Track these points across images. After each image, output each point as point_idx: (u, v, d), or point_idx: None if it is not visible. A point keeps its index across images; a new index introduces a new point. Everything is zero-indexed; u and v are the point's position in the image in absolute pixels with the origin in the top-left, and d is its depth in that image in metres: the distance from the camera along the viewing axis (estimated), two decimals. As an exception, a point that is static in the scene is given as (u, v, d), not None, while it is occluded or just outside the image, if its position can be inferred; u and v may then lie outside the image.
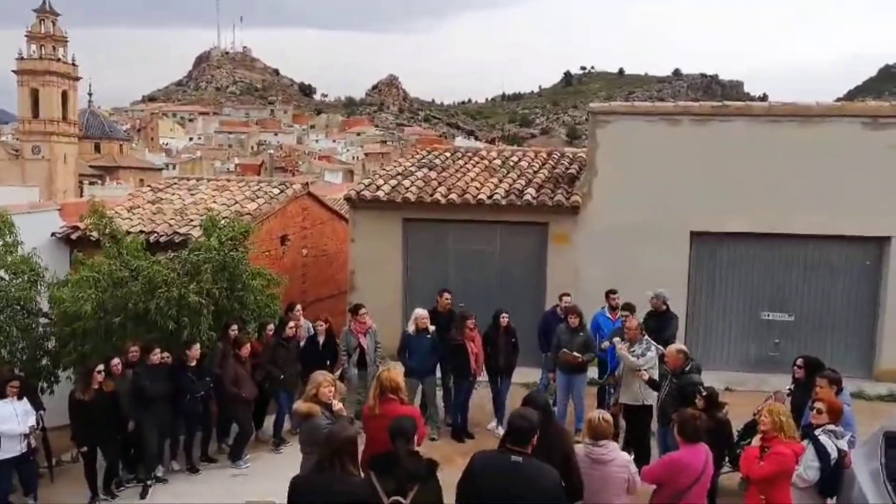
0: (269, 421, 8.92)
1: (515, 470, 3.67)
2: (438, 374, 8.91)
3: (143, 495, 7.52)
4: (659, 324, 8.37)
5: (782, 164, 10.41)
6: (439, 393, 9.07)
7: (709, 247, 10.99)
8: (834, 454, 4.73)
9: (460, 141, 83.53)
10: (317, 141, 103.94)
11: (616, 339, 7.74)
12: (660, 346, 7.51)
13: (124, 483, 7.85)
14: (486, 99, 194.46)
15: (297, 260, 14.11)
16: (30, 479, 7.52)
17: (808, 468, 4.71)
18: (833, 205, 10.32)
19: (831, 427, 4.91)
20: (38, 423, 7.77)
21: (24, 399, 7.38)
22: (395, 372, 4.97)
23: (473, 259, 11.66)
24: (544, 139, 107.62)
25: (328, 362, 8.70)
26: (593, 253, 11.01)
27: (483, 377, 8.92)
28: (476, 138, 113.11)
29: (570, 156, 13.71)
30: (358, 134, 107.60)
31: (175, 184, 14.45)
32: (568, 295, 9.13)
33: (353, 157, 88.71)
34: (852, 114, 10.33)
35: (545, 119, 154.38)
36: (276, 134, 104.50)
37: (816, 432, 4.86)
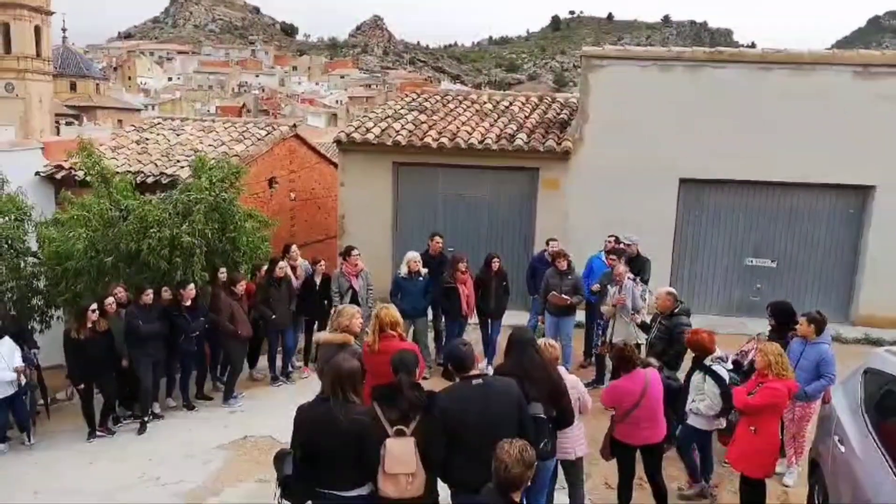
0: (263, 361, 9.09)
1: (479, 390, 3.90)
2: (430, 316, 9.09)
3: (140, 431, 7.68)
4: (634, 268, 8.53)
5: (771, 112, 10.45)
6: (431, 334, 9.26)
7: (696, 193, 11.11)
8: (726, 377, 5.44)
9: (446, 86, 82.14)
10: (299, 83, 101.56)
11: (618, 294, 7.84)
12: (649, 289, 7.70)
13: (122, 419, 8.01)
14: (473, 43, 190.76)
15: (284, 203, 14.05)
16: (22, 417, 7.61)
17: (712, 396, 5.40)
18: (820, 153, 10.42)
19: (718, 354, 5.62)
20: (32, 362, 7.86)
21: (6, 339, 7.39)
22: (393, 309, 5.07)
23: (463, 204, 11.70)
24: (531, 85, 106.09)
25: (325, 302, 8.84)
26: (583, 198, 11.08)
27: (474, 319, 9.10)
28: (462, 83, 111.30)
29: (562, 101, 13.62)
30: (342, 77, 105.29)
31: (159, 124, 14.17)
32: (555, 240, 9.24)
33: (337, 101, 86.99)
34: (843, 62, 10.33)
35: (532, 64, 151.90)
36: (257, 75, 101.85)
37: (707, 362, 5.56)
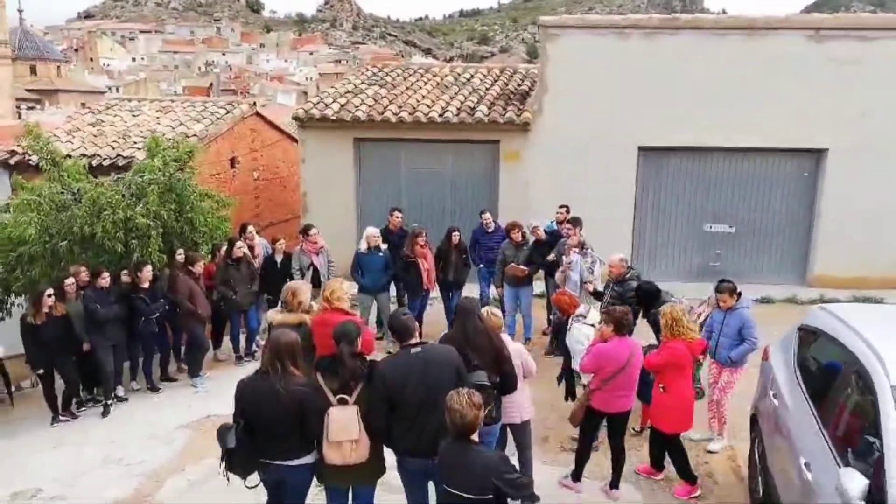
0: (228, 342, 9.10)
1: (418, 357, 3.98)
2: (394, 291, 9.17)
3: (104, 414, 7.68)
4: (542, 250, 8.66)
5: (727, 78, 10.57)
6: (395, 307, 9.34)
7: (656, 161, 11.24)
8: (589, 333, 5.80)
9: (418, 60, 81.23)
10: (267, 61, 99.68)
11: (567, 262, 8.00)
12: (600, 258, 7.85)
13: (85, 403, 8.00)
14: (444, 16, 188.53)
15: (248, 183, 13.95)
16: None
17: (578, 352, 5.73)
18: (775, 118, 10.59)
19: (580, 312, 6.18)
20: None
21: None
22: (336, 286, 5.14)
23: (426, 178, 11.72)
24: (503, 57, 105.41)
25: (288, 280, 8.83)
26: (544, 169, 11.16)
27: (436, 292, 9.20)
28: (434, 57, 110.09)
29: (523, 72, 13.61)
30: (311, 53, 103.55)
31: (116, 105, 13.91)
32: (486, 212, 9.43)
33: (307, 78, 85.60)
34: (796, 26, 10.47)
35: (504, 36, 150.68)
36: (223, 53, 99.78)
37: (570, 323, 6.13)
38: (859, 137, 10.50)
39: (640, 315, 6.91)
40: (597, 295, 7.58)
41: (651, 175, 11.32)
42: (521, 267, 8.55)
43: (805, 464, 3.88)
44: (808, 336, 4.79)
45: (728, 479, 5.81)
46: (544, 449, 6.29)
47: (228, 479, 4.05)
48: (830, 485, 3.37)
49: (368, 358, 4.12)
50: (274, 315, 5.12)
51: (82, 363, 7.90)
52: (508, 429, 5.17)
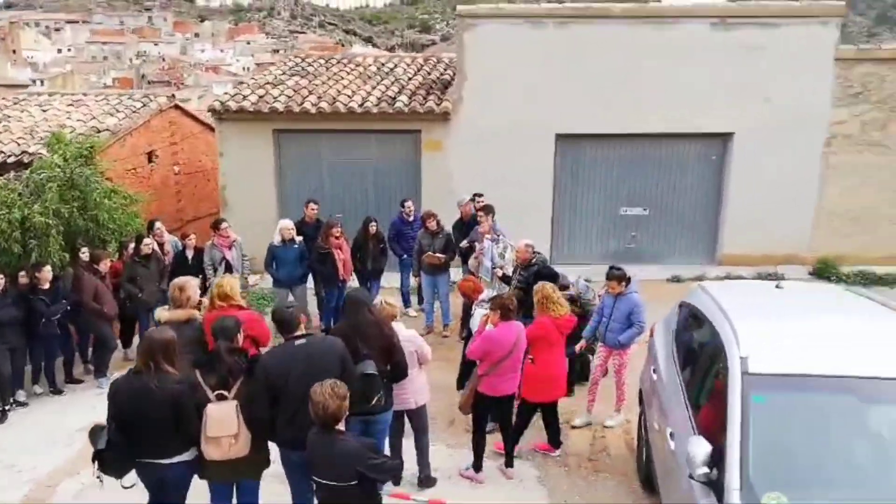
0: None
1: (302, 349, 4.02)
2: (312, 283, 9.13)
3: (1, 419, 7.41)
4: (468, 227, 8.84)
5: (638, 66, 10.86)
6: (314, 300, 9.30)
7: (572, 147, 11.48)
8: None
9: (358, 49, 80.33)
10: (202, 51, 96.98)
11: (480, 248, 8.13)
12: (511, 244, 7.99)
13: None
14: (385, 4, 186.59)
15: (168, 177, 13.59)
16: None
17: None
18: (684, 104, 10.96)
19: (482, 298, 6.37)
20: None
21: None
22: (226, 282, 5.11)
23: (348, 168, 11.66)
24: (444, 46, 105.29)
25: (199, 276, 8.69)
26: (465, 158, 11.26)
27: (355, 282, 9.20)
28: (374, 45, 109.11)
29: (447, 61, 13.65)
30: (248, 43, 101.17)
31: (25, 100, 13.31)
32: (408, 200, 9.53)
33: (244, 68, 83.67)
34: (702, 14, 10.81)
35: (445, 25, 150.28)
36: (156, 44, 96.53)
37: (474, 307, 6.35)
38: (763, 121, 10.97)
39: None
40: (506, 280, 7.72)
41: (568, 161, 11.56)
42: (437, 255, 8.64)
43: (670, 433, 4.09)
44: (685, 313, 5.02)
45: (620, 452, 6.06)
46: (450, 433, 6.41)
47: (101, 481, 3.99)
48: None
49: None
50: (161, 312, 5.04)
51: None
52: (406, 415, 5.25)
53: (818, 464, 3.18)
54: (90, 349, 8.53)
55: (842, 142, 11.15)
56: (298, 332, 4.08)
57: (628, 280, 6.12)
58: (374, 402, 4.47)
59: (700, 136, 11.29)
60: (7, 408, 7.45)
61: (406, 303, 9.91)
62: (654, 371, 5.02)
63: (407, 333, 5.03)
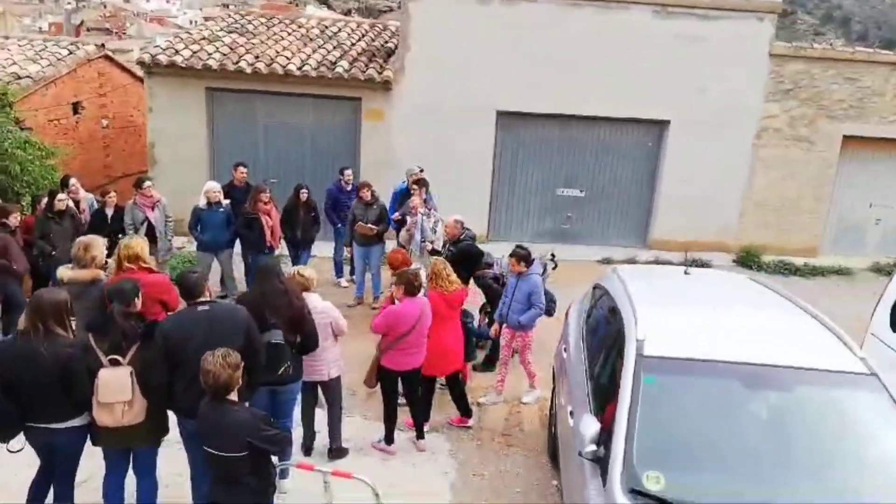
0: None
1: (205, 315, 3.95)
2: (239, 248, 8.91)
3: None
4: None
5: (581, 49, 10.92)
6: (241, 266, 9.09)
7: (513, 126, 11.50)
8: None
9: (312, 10, 78.09)
10: (148, 1, 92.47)
11: (412, 222, 8.09)
12: (442, 219, 7.99)
13: None
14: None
15: (96, 131, 12.99)
16: None
17: None
18: (623, 89, 11.09)
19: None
20: None
21: None
22: (134, 242, 4.93)
23: (285, 133, 11.38)
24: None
25: (119, 235, 8.37)
26: (406, 130, 11.14)
27: (283, 250, 9.04)
28: (330, 8, 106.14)
29: (393, 29, 13.38)
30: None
31: (-62, 39, 12.43)
32: (348, 169, 9.40)
33: (191, 21, 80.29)
34: (645, 2, 10.89)
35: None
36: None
37: None
38: (697, 111, 11.21)
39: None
40: (435, 254, 7.72)
41: (509, 139, 11.58)
42: (369, 226, 8.55)
43: (570, 412, 4.19)
44: (598, 294, 5.13)
45: (533, 428, 6.20)
46: (368, 405, 6.40)
47: (-13, 445, 3.83)
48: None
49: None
50: (64, 271, 4.83)
51: None
52: (319, 386, 5.23)
53: (701, 445, 3.32)
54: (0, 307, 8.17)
55: (772, 135, 11.52)
56: (202, 299, 3.97)
57: (530, 261, 6.16)
58: (280, 371, 4.43)
59: (638, 121, 11.48)
60: None
61: (338, 273, 9.82)
62: (565, 350, 5.13)
63: (322, 305, 4.98)
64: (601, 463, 3.30)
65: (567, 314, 5.82)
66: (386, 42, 12.42)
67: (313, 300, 4.91)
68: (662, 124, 11.48)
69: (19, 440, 3.90)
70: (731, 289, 4.91)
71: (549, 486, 5.28)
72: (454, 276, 5.64)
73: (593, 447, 3.32)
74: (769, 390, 3.44)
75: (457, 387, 5.93)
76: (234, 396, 3.32)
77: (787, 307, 4.28)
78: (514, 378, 6.89)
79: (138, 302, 3.95)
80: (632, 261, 11.31)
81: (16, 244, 7.58)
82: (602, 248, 11.78)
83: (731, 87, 11.14)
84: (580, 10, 10.83)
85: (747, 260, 11.68)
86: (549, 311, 7.35)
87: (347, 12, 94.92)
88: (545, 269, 7.50)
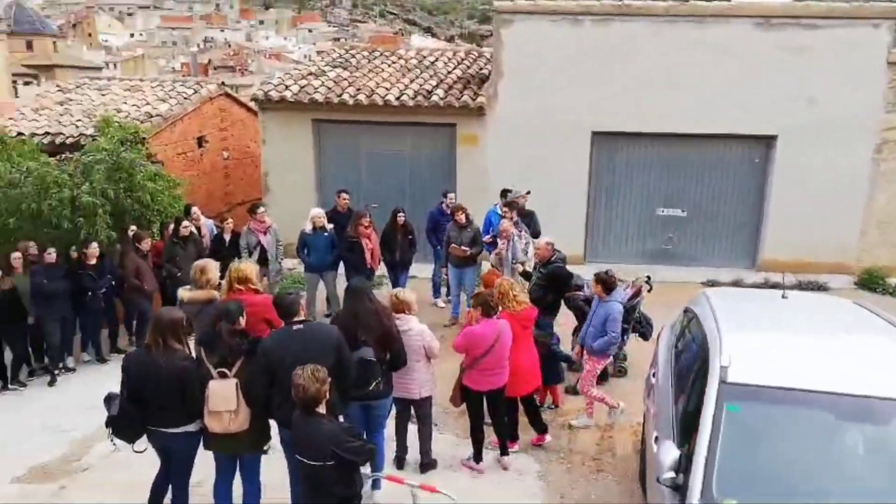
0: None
1: (300, 334, 4.24)
2: (343, 270, 9.38)
3: (50, 383, 8.00)
4: (524, 220, 8.88)
5: (679, 65, 10.69)
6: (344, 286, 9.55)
7: (609, 146, 11.39)
8: None
9: (417, 39, 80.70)
10: (266, 38, 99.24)
11: (502, 245, 8.24)
12: (533, 241, 8.08)
13: (35, 373, 8.29)
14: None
15: (217, 162, 14.12)
16: None
17: None
18: (726, 105, 10.71)
19: None
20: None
21: None
22: (244, 266, 5.36)
23: (385, 161, 11.88)
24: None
25: (236, 259, 9.08)
26: (500, 153, 11.32)
27: (382, 271, 9.44)
28: (434, 35, 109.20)
29: (488, 56, 13.67)
30: (310, 31, 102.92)
31: (86, 84, 14.05)
32: (451, 192, 9.62)
33: (305, 56, 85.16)
34: (745, 14, 10.52)
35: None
36: (222, 30, 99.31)
37: None
38: (807, 125, 10.63)
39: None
40: (526, 276, 7.80)
41: (604, 159, 11.47)
42: (463, 248, 8.75)
43: (655, 438, 4.14)
44: (687, 318, 5.02)
45: (626, 453, 6.08)
46: (460, 423, 6.53)
47: (115, 444, 4.32)
48: (664, 457, 3.62)
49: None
50: (183, 292, 5.36)
51: (33, 335, 8.20)
52: (411, 404, 5.44)
53: (785, 477, 3.20)
54: (134, 322, 9.07)
55: (893, 148, 10.71)
56: (297, 318, 4.30)
57: (611, 286, 6.08)
58: (371, 387, 4.68)
59: (742, 137, 11.03)
60: (56, 373, 8.03)
61: (436, 293, 10.09)
62: (654, 375, 5.06)
63: (418, 328, 5.18)
64: (680, 490, 3.26)
65: (658, 338, 5.72)
66: (481, 69, 12.72)
67: (411, 322, 5.13)
68: (769, 139, 10.97)
69: (142, 442, 4.38)
70: (833, 314, 4.65)
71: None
72: (522, 296, 5.70)
73: (671, 474, 3.29)
74: (863, 423, 3.27)
75: (531, 406, 5.94)
76: (322, 409, 3.57)
77: (892, 334, 4.02)
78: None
79: (243, 320, 4.34)
80: (738, 283, 10.83)
81: (147, 266, 8.45)
82: (707, 269, 11.35)
83: (844, 98, 10.48)
84: (676, 26, 10.63)
85: (870, 282, 10.85)
86: (645, 335, 7.26)
87: (451, 39, 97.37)
88: (639, 293, 7.40)
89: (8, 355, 8.02)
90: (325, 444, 3.42)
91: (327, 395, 3.59)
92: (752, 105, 10.68)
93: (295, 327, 4.27)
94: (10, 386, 7.94)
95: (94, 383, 7.96)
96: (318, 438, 3.46)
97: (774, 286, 10.49)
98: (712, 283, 10.76)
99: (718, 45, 10.54)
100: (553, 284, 6.90)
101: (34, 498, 5.31)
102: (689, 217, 11.57)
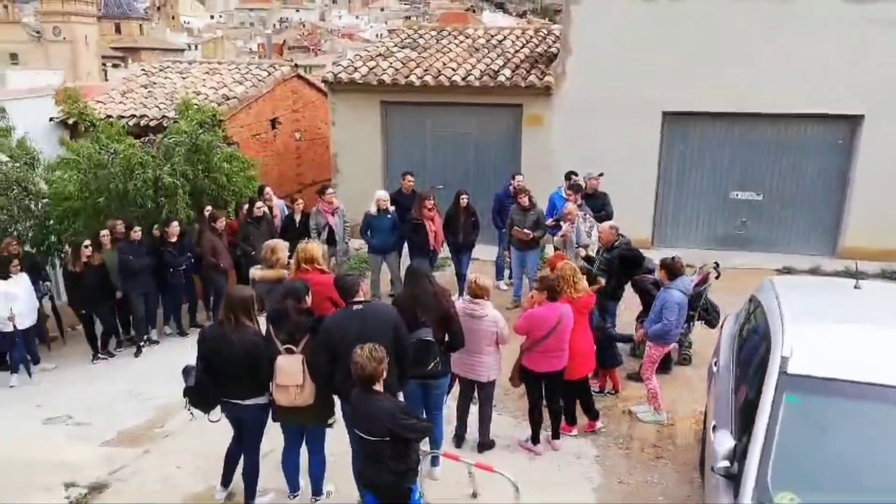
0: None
1: (359, 314, 4.38)
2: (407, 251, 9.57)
3: (136, 354, 8.58)
4: (595, 203, 8.76)
5: (758, 41, 10.22)
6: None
7: (680, 126, 11.05)
8: None
9: (488, 15, 79.79)
10: (339, 17, 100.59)
11: (566, 227, 8.19)
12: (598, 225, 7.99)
13: (122, 344, 8.91)
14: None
15: (289, 143, 14.55)
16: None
17: None
18: (807, 82, 10.20)
19: None
20: (46, 294, 8.76)
21: (24, 275, 8.11)
22: (310, 246, 5.56)
23: (451, 142, 11.95)
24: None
25: (305, 239, 9.40)
26: (566, 134, 11.18)
27: (445, 252, 9.56)
28: (506, 11, 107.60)
29: (557, 33, 13.44)
30: (381, 9, 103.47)
31: (168, 67, 14.72)
32: (520, 174, 9.52)
33: (377, 35, 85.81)
34: (834, -15, 9.92)
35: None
36: (297, 10, 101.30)
37: None
38: (898, 104, 9.99)
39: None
40: (588, 260, 7.74)
41: (675, 140, 11.15)
42: (525, 231, 8.74)
43: (713, 426, 4.09)
44: (752, 306, 4.90)
45: (687, 442, 6.01)
46: (519, 404, 6.59)
47: (192, 413, 4.63)
48: (720, 446, 3.59)
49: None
50: (255, 271, 5.63)
51: (120, 308, 8.80)
52: (475, 385, 5.56)
53: (843, 471, 3.12)
54: (211, 299, 9.56)
55: None
56: (357, 299, 4.45)
57: (675, 272, 5.95)
58: (430, 366, 4.81)
59: (825, 117, 10.47)
60: (142, 344, 8.60)
61: (499, 276, 10.14)
62: (715, 363, 4.97)
63: (493, 314, 5.27)
64: (734, 480, 3.24)
65: (722, 326, 5.60)
66: (549, 47, 12.54)
67: (487, 308, 5.23)
68: (855, 119, 10.37)
69: (216, 412, 4.68)
70: (908, 306, 4.44)
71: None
72: (582, 284, 5.67)
73: (726, 463, 3.27)
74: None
75: (584, 391, 5.95)
76: (378, 387, 3.72)
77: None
78: (674, 390, 6.74)
79: (308, 299, 4.54)
80: (816, 270, 10.38)
81: (222, 245, 8.88)
82: (782, 255, 10.91)
83: (942, 75, 9.78)
84: (755, 1, 10.13)
85: (962, 272, 10.17)
86: (711, 323, 7.11)
87: (522, 14, 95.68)
88: (707, 280, 7.23)
89: (98, 327, 8.65)
90: (382, 421, 3.57)
91: (384, 374, 3.74)
92: (838, 83, 10.11)
93: (355, 308, 4.43)
94: (100, 355, 8.56)
95: (175, 355, 8.45)
96: (375, 415, 3.61)
97: (852, 275, 10.00)
98: (788, 270, 10.36)
99: (801, 19, 10.00)
100: (624, 267, 6.83)
101: (121, 461, 5.76)
102: (765, 201, 11.12)
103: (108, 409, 7.03)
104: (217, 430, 4.91)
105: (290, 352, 4.39)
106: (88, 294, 8.25)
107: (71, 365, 8.63)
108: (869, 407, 3.22)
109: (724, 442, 3.32)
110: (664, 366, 6.88)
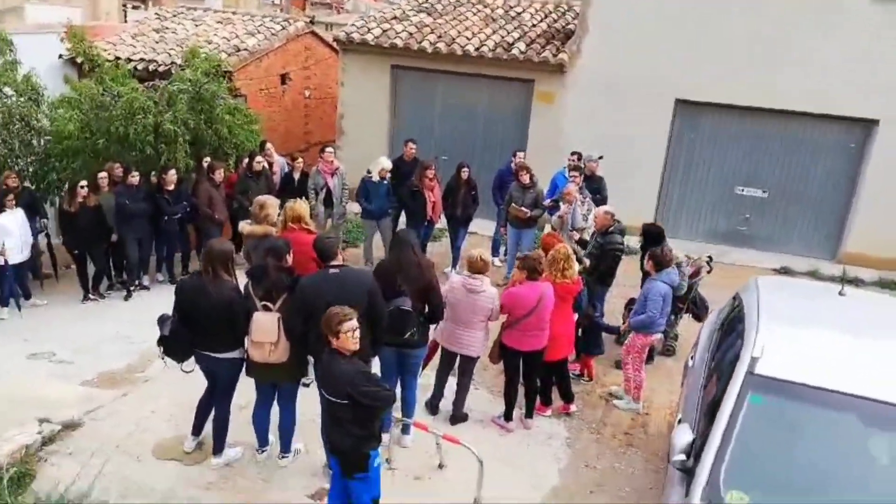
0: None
1: (335, 277, 4.37)
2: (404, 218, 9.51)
3: (126, 297, 8.62)
4: (591, 186, 8.68)
5: (777, 35, 9.99)
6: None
7: (692, 115, 10.88)
8: None
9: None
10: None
11: (565, 209, 8.13)
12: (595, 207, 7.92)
13: (113, 287, 8.95)
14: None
15: (298, 101, 14.41)
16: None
17: None
18: (825, 81, 10.00)
19: None
20: (42, 229, 8.78)
21: (19, 210, 8.12)
22: (298, 205, 5.54)
23: (459, 112, 11.82)
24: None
25: (303, 197, 9.36)
26: (578, 113, 11.04)
27: (442, 224, 9.51)
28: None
29: (577, 10, 13.17)
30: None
31: (182, 14, 14.53)
32: (521, 151, 9.43)
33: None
34: (862, -16, 9.66)
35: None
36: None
37: None
38: (916, 111, 9.80)
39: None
40: (582, 244, 7.69)
41: (686, 129, 10.99)
42: (523, 209, 8.68)
43: (678, 420, 4.10)
44: (734, 304, 4.87)
45: (659, 431, 6.04)
46: (496, 381, 6.62)
47: (165, 362, 4.66)
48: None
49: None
50: (243, 226, 5.61)
51: (113, 251, 8.81)
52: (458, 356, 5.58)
53: (799, 475, 3.12)
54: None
55: None
56: (334, 262, 4.43)
57: (661, 263, 5.90)
58: (406, 336, 4.81)
59: (839, 119, 10.28)
60: (132, 288, 8.64)
61: (495, 252, 10.09)
62: (691, 358, 4.96)
63: (491, 291, 5.29)
64: (689, 474, 3.25)
65: (703, 322, 5.58)
66: (568, 24, 12.30)
67: (485, 283, 5.25)
68: (869, 123, 10.18)
69: (190, 363, 4.71)
70: (891, 316, 4.39)
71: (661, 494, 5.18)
72: (571, 270, 5.62)
73: (682, 457, 3.27)
74: (893, 432, 3.12)
75: (561, 374, 5.97)
76: (346, 344, 3.71)
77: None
78: (654, 380, 6.74)
79: (290, 258, 4.53)
80: (814, 273, 10.29)
81: (219, 196, 8.85)
82: (782, 255, 10.83)
83: (964, 84, 9.57)
84: (780, -6, 9.89)
85: (966, 288, 10.07)
86: (699, 316, 7.09)
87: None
88: (699, 273, 7.20)
89: (91, 268, 8.69)
90: (341, 383, 3.59)
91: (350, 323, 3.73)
92: (855, 85, 9.90)
93: (331, 271, 4.41)
94: (91, 296, 8.61)
95: (165, 302, 8.53)
96: (336, 376, 3.63)
97: (850, 282, 9.91)
98: (786, 271, 10.30)
99: (823, 16, 9.77)
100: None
101: (98, 401, 5.82)
102: (770, 199, 10.99)
103: (93, 350, 7.09)
104: (197, 380, 4.96)
105: (266, 309, 4.39)
106: (83, 235, 8.25)
107: (62, 303, 8.67)
108: (832, 414, 3.21)
109: (682, 436, 3.32)
110: (647, 356, 6.88)
